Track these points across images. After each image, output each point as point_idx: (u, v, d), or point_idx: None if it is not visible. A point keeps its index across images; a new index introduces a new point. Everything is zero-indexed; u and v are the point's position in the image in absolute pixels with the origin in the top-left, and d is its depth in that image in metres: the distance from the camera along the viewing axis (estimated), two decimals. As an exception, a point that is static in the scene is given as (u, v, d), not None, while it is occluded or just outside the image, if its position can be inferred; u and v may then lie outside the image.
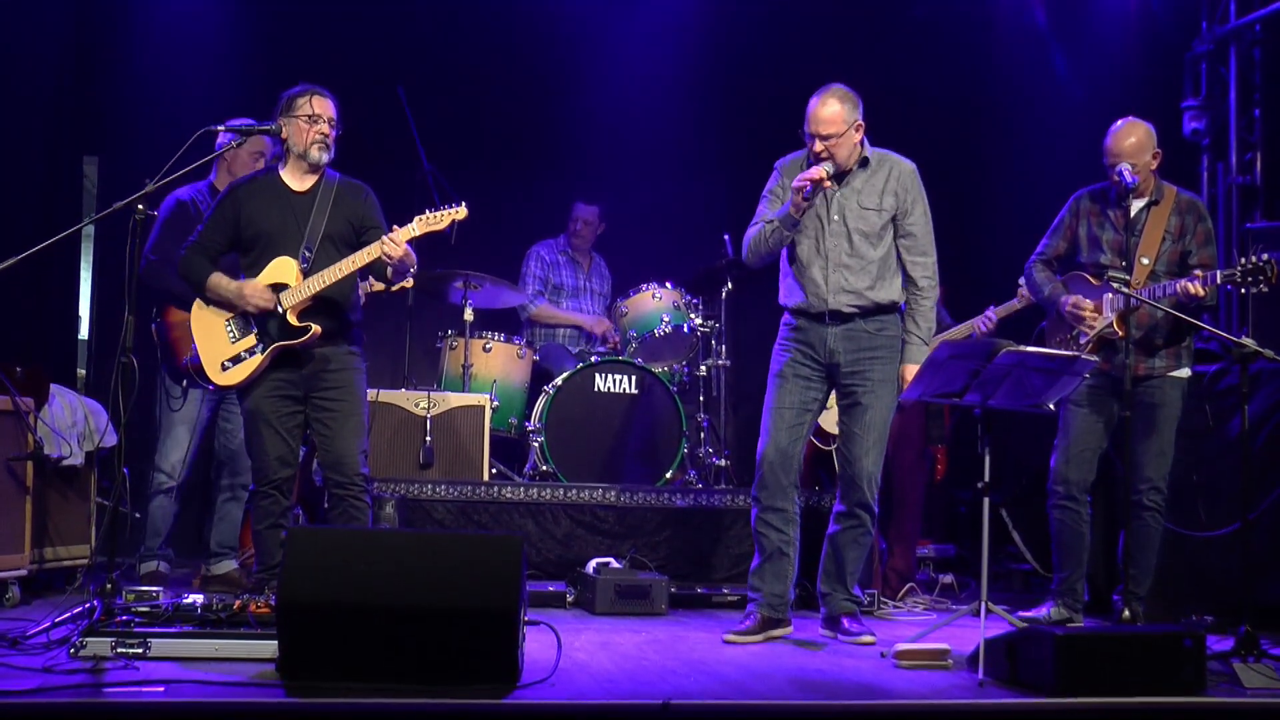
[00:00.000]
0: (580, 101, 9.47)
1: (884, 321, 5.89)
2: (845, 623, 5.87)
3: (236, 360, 5.75)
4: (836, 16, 9.68)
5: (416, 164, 8.07)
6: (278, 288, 5.70)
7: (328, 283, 5.67)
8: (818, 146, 5.75)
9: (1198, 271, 6.08)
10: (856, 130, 5.81)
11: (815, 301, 5.85)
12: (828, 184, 5.70)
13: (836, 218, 5.85)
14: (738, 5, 9.67)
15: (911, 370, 5.84)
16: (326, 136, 5.80)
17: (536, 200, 9.47)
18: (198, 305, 5.86)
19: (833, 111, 5.75)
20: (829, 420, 7.28)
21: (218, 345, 5.79)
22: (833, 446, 7.35)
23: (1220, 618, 6.42)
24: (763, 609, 5.88)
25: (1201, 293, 5.99)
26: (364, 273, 5.87)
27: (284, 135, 5.78)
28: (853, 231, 5.84)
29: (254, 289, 5.70)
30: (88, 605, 4.96)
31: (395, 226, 5.66)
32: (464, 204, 5.72)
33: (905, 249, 5.92)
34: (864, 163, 5.88)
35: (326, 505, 5.89)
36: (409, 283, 6.32)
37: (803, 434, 5.91)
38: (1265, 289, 5.82)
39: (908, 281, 5.94)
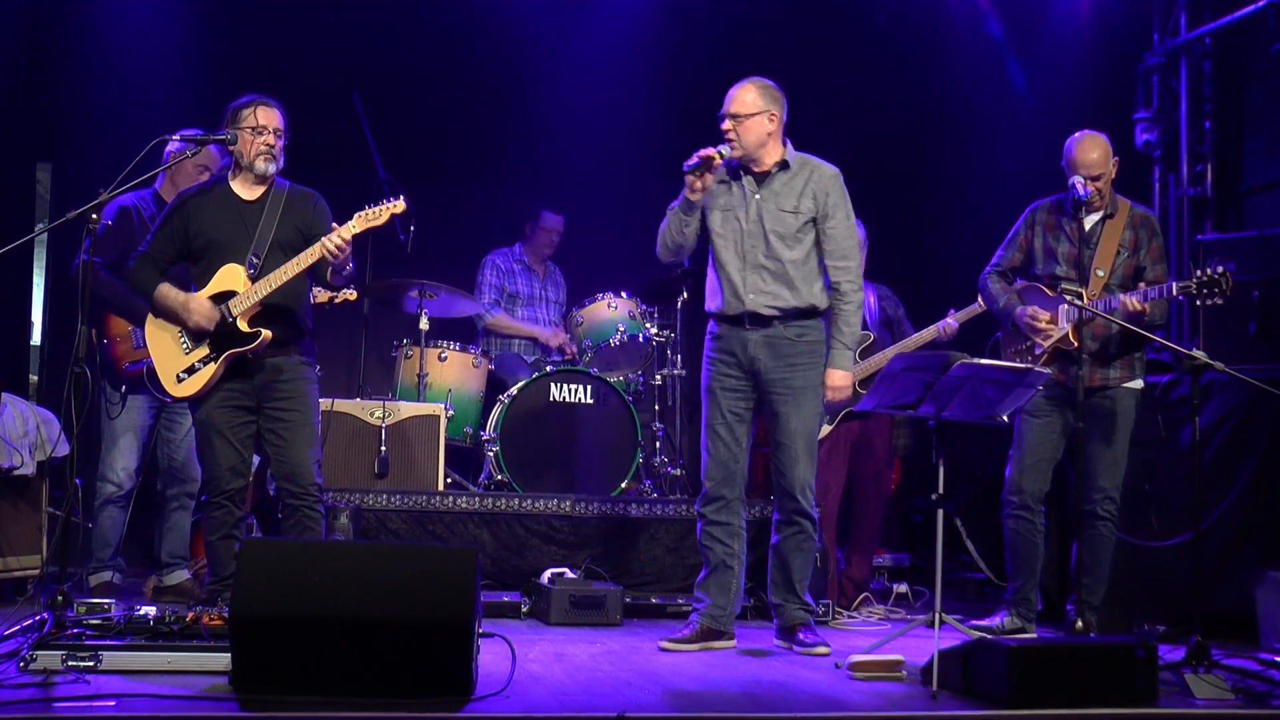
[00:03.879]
0: (536, 110, 9.46)
1: (805, 327, 5.87)
2: (800, 633, 5.88)
3: (191, 371, 5.73)
4: (794, 26, 9.68)
5: (372, 172, 8.04)
6: (225, 295, 5.68)
7: (274, 286, 5.65)
8: (726, 125, 5.80)
9: (1142, 284, 6.13)
10: (770, 120, 5.83)
11: (733, 303, 5.86)
12: (718, 162, 5.72)
13: (755, 219, 5.86)
14: (694, 15, 9.66)
15: (835, 376, 5.89)
16: (272, 148, 5.77)
17: (492, 209, 9.46)
18: (150, 318, 5.84)
19: (746, 95, 5.81)
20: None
21: (172, 357, 5.76)
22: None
23: (1172, 627, 6.46)
24: (704, 619, 5.91)
25: (1141, 309, 6.02)
26: (312, 281, 5.86)
27: (234, 146, 5.76)
28: (769, 233, 5.84)
29: (198, 306, 5.68)
30: (38, 617, 4.91)
31: (335, 225, 5.65)
32: (402, 198, 5.71)
33: (827, 253, 5.90)
34: (784, 165, 5.89)
35: (280, 515, 5.86)
36: (352, 295, 6.29)
37: (743, 444, 5.92)
38: (1220, 301, 5.86)
39: (830, 287, 5.93)
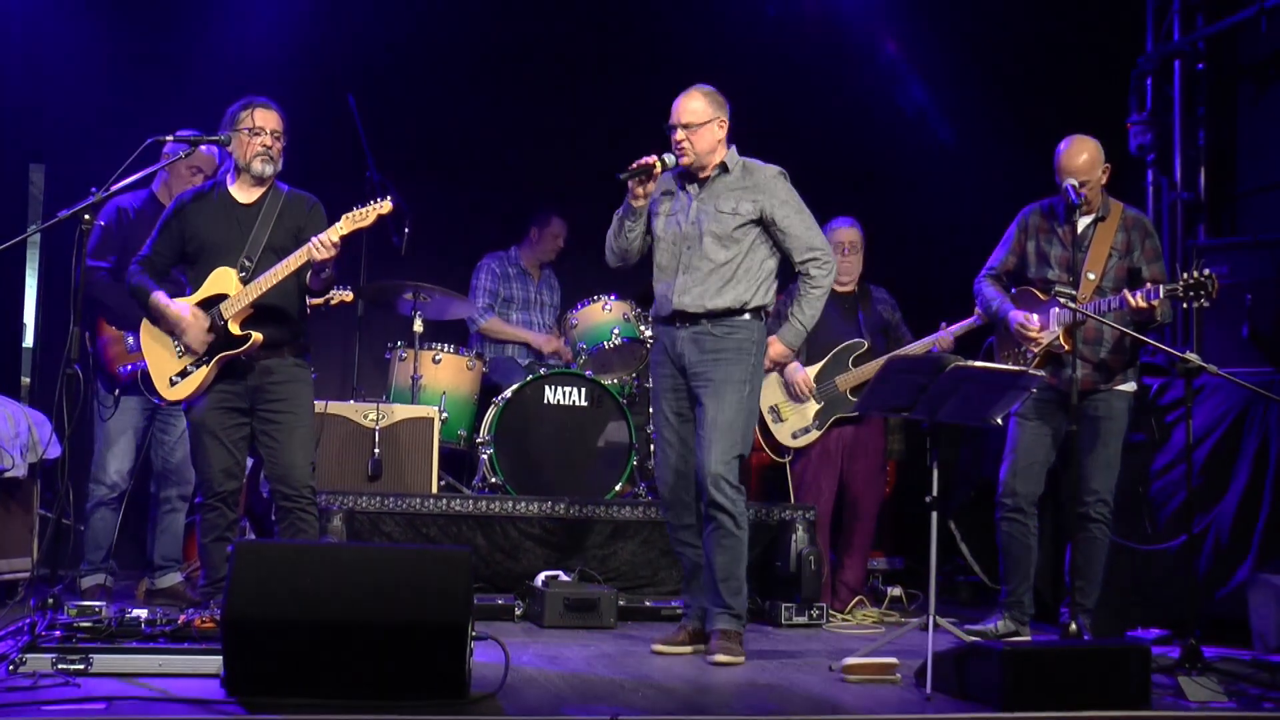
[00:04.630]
0: (530, 112, 9.45)
1: (732, 325, 5.81)
2: (713, 638, 5.69)
3: (184, 374, 5.73)
4: (791, 29, 9.69)
5: (367, 174, 8.02)
6: (217, 298, 5.67)
7: (264, 289, 5.64)
8: (678, 135, 5.80)
9: (1148, 285, 6.13)
10: (720, 127, 5.85)
11: (664, 303, 5.88)
12: (659, 170, 5.75)
13: (693, 222, 5.86)
14: (683, 26, 9.65)
15: (776, 347, 5.95)
16: (269, 149, 5.77)
17: (487, 212, 9.44)
18: (146, 322, 5.83)
19: (695, 104, 5.82)
20: (783, 432, 7.33)
21: (165, 360, 5.77)
22: (786, 459, 7.41)
23: (1166, 629, 6.48)
24: (692, 620, 5.92)
25: (1144, 305, 6.02)
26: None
27: (230, 147, 5.76)
28: (705, 234, 5.82)
29: (190, 325, 5.68)
30: (28, 620, 4.89)
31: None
32: (389, 198, 5.70)
33: (790, 250, 5.87)
34: (723, 168, 5.88)
35: (274, 517, 5.85)
36: (348, 296, 6.27)
37: (689, 444, 5.87)
38: (1206, 303, 5.86)
39: (799, 274, 5.92)
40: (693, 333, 5.83)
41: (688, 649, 5.83)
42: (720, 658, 5.57)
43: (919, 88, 9.81)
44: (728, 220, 5.81)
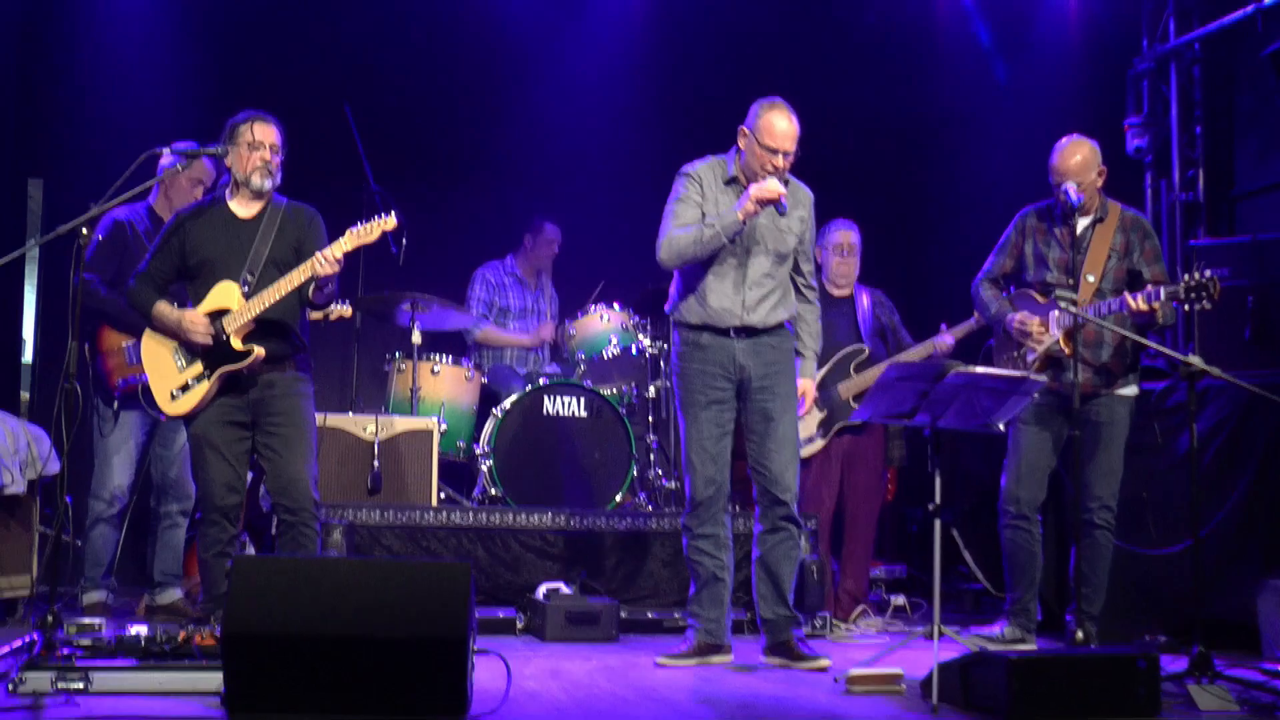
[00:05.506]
0: (527, 122, 9.45)
1: (782, 335, 5.95)
2: (799, 647, 5.83)
3: (185, 388, 5.70)
4: (786, 35, 9.69)
5: (364, 183, 8.01)
6: (220, 313, 5.65)
7: (267, 304, 5.62)
8: (780, 162, 5.74)
9: (1149, 287, 6.10)
10: None
11: (727, 317, 5.84)
12: (786, 201, 5.70)
13: (759, 235, 5.85)
14: (685, 25, 9.65)
15: (808, 384, 6.03)
16: (269, 163, 5.76)
17: (484, 219, 9.43)
18: (147, 334, 5.82)
19: (798, 130, 5.80)
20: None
21: (167, 374, 5.74)
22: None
23: (1172, 636, 6.45)
24: (700, 634, 5.89)
25: (1144, 307, 6.00)
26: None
27: (229, 161, 5.74)
28: (771, 252, 5.86)
29: (191, 320, 5.65)
30: (28, 638, 4.87)
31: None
32: (394, 213, 5.68)
33: (803, 272, 6.03)
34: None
35: (275, 532, 5.82)
36: (347, 311, 6.25)
37: (727, 458, 5.91)
38: (1208, 305, 5.83)
39: (802, 301, 6.06)
40: (753, 344, 5.87)
41: (694, 662, 5.80)
42: (823, 662, 5.73)
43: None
44: (788, 239, 5.91)
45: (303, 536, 5.70)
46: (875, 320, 7.56)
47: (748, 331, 5.85)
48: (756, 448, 5.91)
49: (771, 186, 5.62)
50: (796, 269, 6.02)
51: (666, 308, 6.09)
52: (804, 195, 6.00)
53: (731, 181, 5.90)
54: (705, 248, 5.78)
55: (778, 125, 5.75)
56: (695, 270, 5.89)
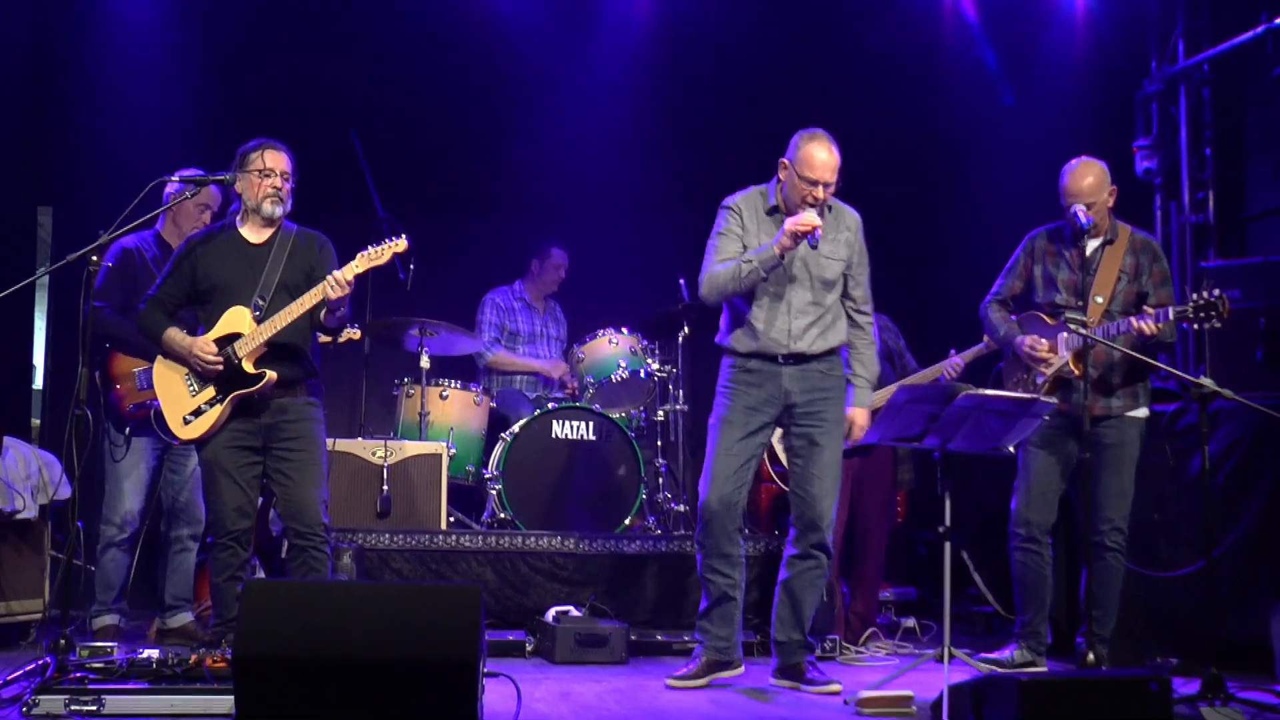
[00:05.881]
0: (535, 147, 9.46)
1: (832, 362, 5.94)
2: (808, 672, 5.82)
3: (198, 413, 5.71)
4: (792, 57, 9.71)
5: (371, 209, 8.03)
6: (231, 337, 5.66)
7: (278, 327, 5.64)
8: (820, 193, 5.73)
9: (1148, 308, 6.09)
10: None
11: (775, 346, 5.84)
12: (821, 233, 5.67)
13: (799, 264, 5.84)
14: (691, 52, 9.67)
15: (859, 414, 5.92)
16: (279, 190, 5.79)
17: (491, 244, 9.45)
18: (159, 360, 5.84)
19: (838, 160, 5.78)
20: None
21: (179, 399, 5.75)
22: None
23: (1184, 658, 6.41)
24: (708, 652, 5.88)
25: (1155, 330, 5.99)
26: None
27: (239, 189, 5.77)
28: (815, 279, 5.86)
29: (201, 348, 5.66)
30: (40, 662, 4.88)
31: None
32: (404, 236, 5.70)
33: (855, 299, 5.99)
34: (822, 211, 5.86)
35: (285, 556, 5.83)
36: (355, 334, 6.27)
37: (747, 479, 5.91)
38: (1218, 324, 5.82)
39: (853, 327, 6.01)
40: (801, 370, 5.87)
41: (702, 681, 5.80)
42: (834, 686, 5.69)
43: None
44: (835, 267, 5.91)
45: (314, 560, 5.71)
46: (881, 344, 7.53)
47: (796, 358, 5.86)
48: (799, 472, 5.91)
49: (806, 219, 5.60)
50: (847, 294, 5.99)
51: (717, 339, 6.07)
52: (851, 219, 6.00)
53: (773, 211, 5.90)
54: (744, 283, 5.78)
55: (817, 156, 5.74)
56: (742, 301, 5.90)
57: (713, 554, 5.88)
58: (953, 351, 7.42)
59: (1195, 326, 5.88)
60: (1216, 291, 5.81)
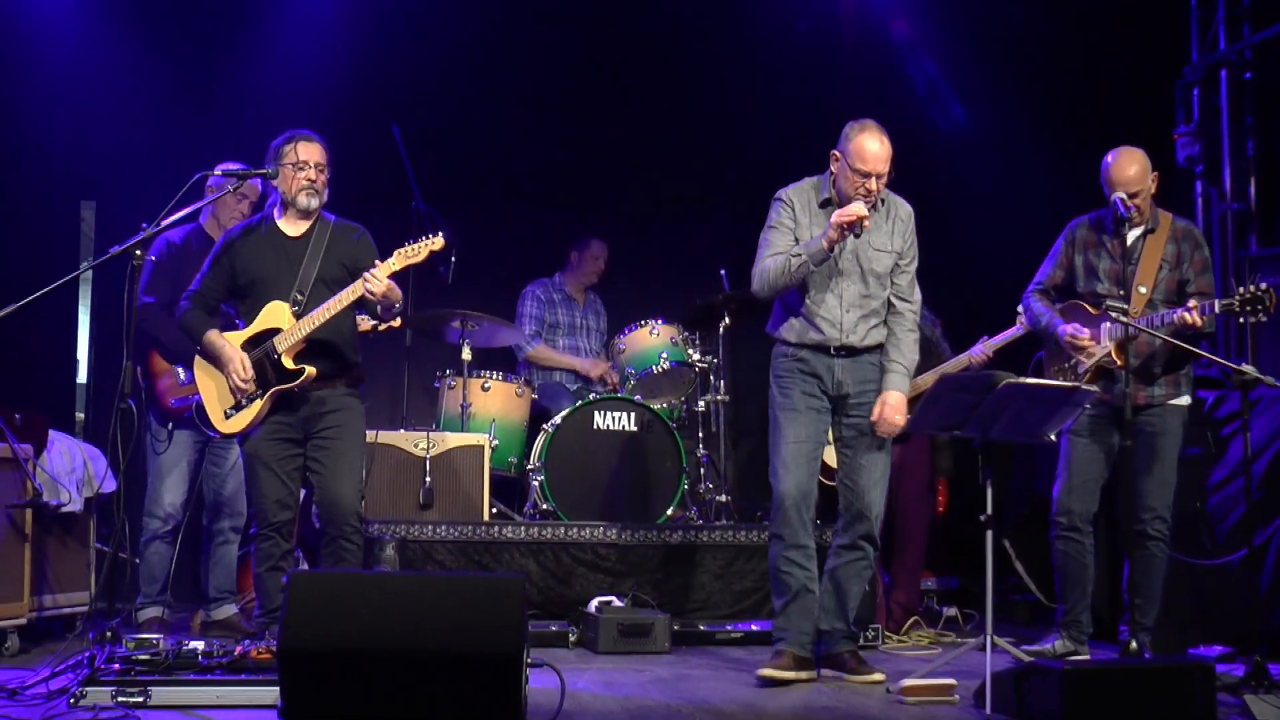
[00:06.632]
0: (576, 139, 9.48)
1: (878, 355, 5.90)
2: (849, 660, 5.82)
3: (238, 407, 5.75)
4: (828, 49, 9.70)
5: (412, 203, 8.04)
6: (270, 332, 5.70)
7: (317, 323, 5.67)
8: (873, 185, 5.69)
9: (1193, 302, 6.04)
10: None
11: (825, 339, 5.80)
12: (867, 223, 5.63)
13: (850, 256, 5.82)
14: (731, 39, 9.67)
15: (897, 396, 5.80)
16: (314, 182, 5.81)
17: (532, 238, 9.46)
18: (199, 356, 5.88)
19: (890, 150, 5.72)
20: (833, 455, 7.27)
21: (220, 394, 5.80)
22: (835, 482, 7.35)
23: (1227, 646, 6.39)
24: (793, 647, 5.75)
25: (1199, 323, 5.95)
26: (360, 310, 5.89)
27: (276, 182, 5.80)
28: (867, 273, 5.82)
29: (237, 369, 5.71)
30: (87, 653, 4.93)
31: (377, 262, 5.67)
32: (441, 234, 5.70)
33: (900, 288, 5.90)
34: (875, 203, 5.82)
35: (321, 544, 5.87)
36: (397, 322, 6.32)
37: (817, 468, 5.88)
38: (1264, 318, 5.77)
39: (896, 316, 5.91)
40: (852, 362, 5.85)
41: (791, 674, 5.65)
42: (877, 675, 5.70)
43: (957, 104, 9.81)
44: (886, 260, 5.86)
45: (344, 550, 5.73)
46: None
47: (848, 350, 5.84)
48: (848, 463, 5.89)
49: (853, 210, 5.57)
50: (891, 280, 5.91)
51: (767, 328, 6.03)
52: (904, 210, 5.94)
53: (826, 203, 5.86)
54: (794, 277, 5.75)
55: (869, 148, 5.68)
56: (794, 293, 5.87)
57: (790, 545, 5.79)
58: (984, 338, 7.39)
59: (1241, 319, 5.83)
60: (1264, 285, 5.77)
